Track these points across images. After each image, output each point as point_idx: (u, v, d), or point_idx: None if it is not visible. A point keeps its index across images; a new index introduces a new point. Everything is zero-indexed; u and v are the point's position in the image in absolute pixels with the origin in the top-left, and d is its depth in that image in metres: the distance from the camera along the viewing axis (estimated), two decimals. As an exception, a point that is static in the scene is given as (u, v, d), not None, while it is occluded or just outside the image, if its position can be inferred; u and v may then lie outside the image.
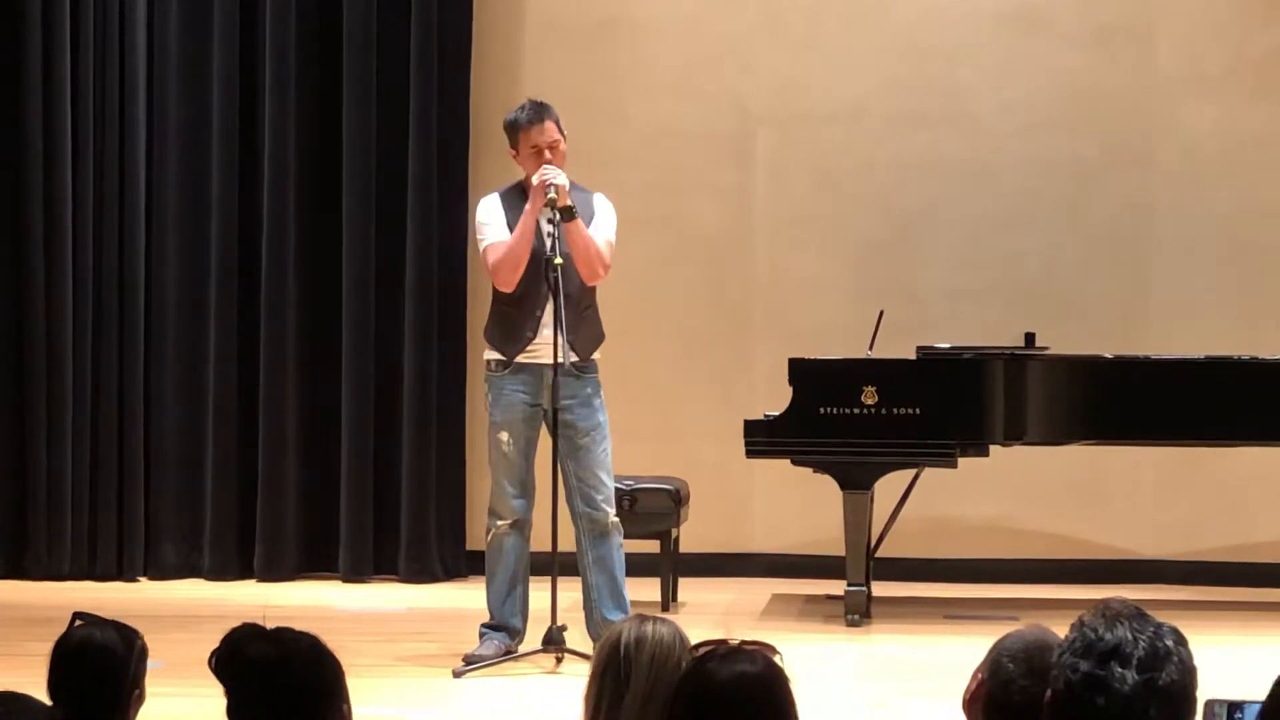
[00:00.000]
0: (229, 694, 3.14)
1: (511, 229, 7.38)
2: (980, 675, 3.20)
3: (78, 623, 3.71)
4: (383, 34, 9.80)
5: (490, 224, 7.47)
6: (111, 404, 9.78)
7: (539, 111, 7.43)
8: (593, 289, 7.49)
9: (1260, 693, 3.04)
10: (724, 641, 3.11)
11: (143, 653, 3.70)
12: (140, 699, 3.69)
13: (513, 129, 7.45)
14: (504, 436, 7.43)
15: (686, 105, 9.98)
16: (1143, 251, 9.80)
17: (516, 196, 7.49)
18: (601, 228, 7.47)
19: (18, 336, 9.77)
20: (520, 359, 7.40)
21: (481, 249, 7.53)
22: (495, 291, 7.51)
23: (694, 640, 3.35)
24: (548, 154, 7.35)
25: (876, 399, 8.33)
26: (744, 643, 3.09)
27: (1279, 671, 2.97)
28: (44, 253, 9.72)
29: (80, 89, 9.76)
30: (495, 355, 7.48)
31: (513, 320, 7.42)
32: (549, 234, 7.30)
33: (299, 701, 3.10)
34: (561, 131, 7.44)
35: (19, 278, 9.76)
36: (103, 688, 3.61)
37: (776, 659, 3.06)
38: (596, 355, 7.50)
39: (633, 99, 10.00)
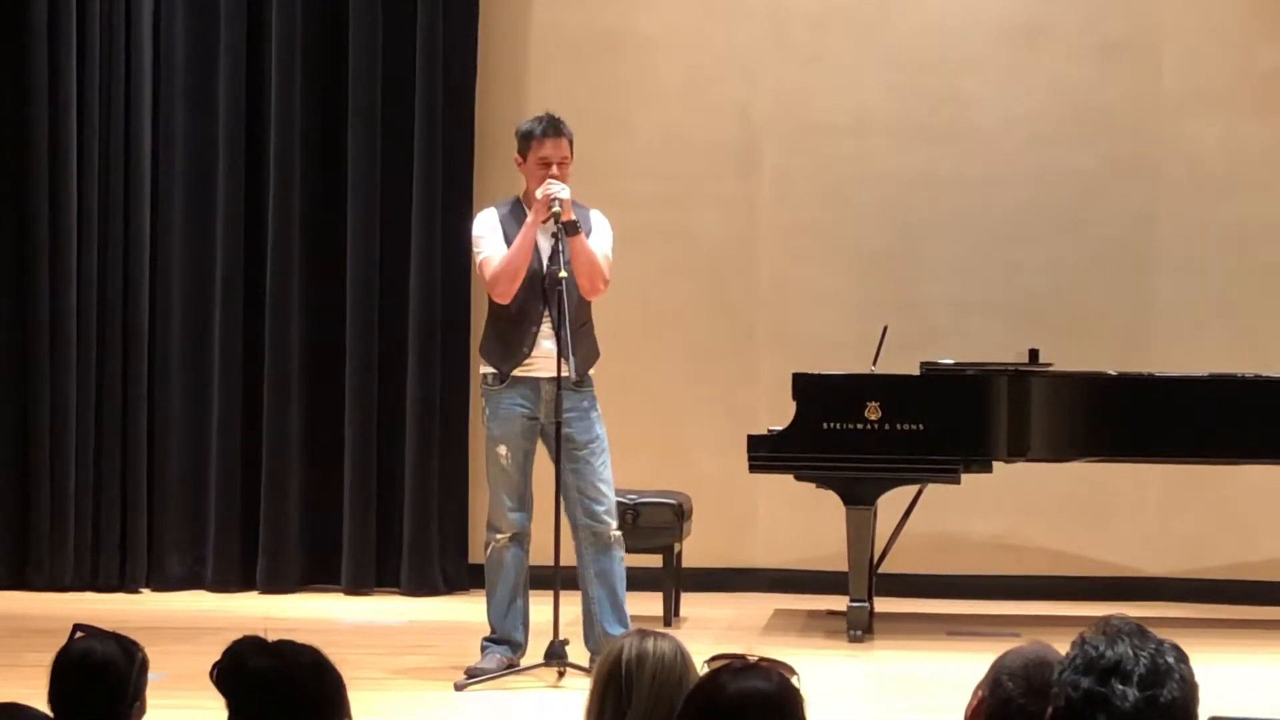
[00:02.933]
0: (230, 706, 3.14)
1: (508, 243, 7.38)
2: (980, 693, 3.20)
3: (78, 634, 3.70)
4: (388, 46, 9.81)
5: (486, 236, 7.48)
6: (115, 415, 9.78)
7: (556, 126, 7.44)
8: (589, 306, 7.49)
9: (1263, 710, 3.03)
10: (741, 656, 3.09)
11: (143, 665, 3.69)
12: (141, 711, 3.68)
13: (526, 138, 7.45)
14: (502, 450, 7.43)
15: (691, 116, 9.98)
16: (1147, 266, 9.79)
17: (513, 210, 7.50)
18: (599, 243, 7.47)
19: (21, 346, 9.77)
20: (516, 373, 7.40)
21: (478, 261, 7.53)
22: (492, 307, 7.51)
23: (698, 655, 3.34)
24: (554, 169, 7.35)
25: (880, 414, 8.33)
26: (761, 659, 3.08)
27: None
28: (48, 263, 9.72)
29: (86, 99, 9.76)
30: (491, 370, 7.48)
31: (510, 336, 7.42)
32: (550, 246, 7.31)
33: (300, 715, 3.09)
34: (572, 152, 7.44)
35: (23, 286, 9.76)
36: (103, 700, 3.61)
37: (794, 680, 3.05)
38: (592, 372, 7.50)
39: (637, 110, 10.00)
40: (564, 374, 7.18)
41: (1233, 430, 8.49)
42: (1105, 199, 9.82)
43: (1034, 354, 8.68)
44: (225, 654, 3.18)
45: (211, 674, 3.18)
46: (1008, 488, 9.19)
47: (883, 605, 8.85)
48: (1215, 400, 8.49)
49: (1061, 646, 3.07)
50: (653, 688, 3.38)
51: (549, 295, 7.31)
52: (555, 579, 7.14)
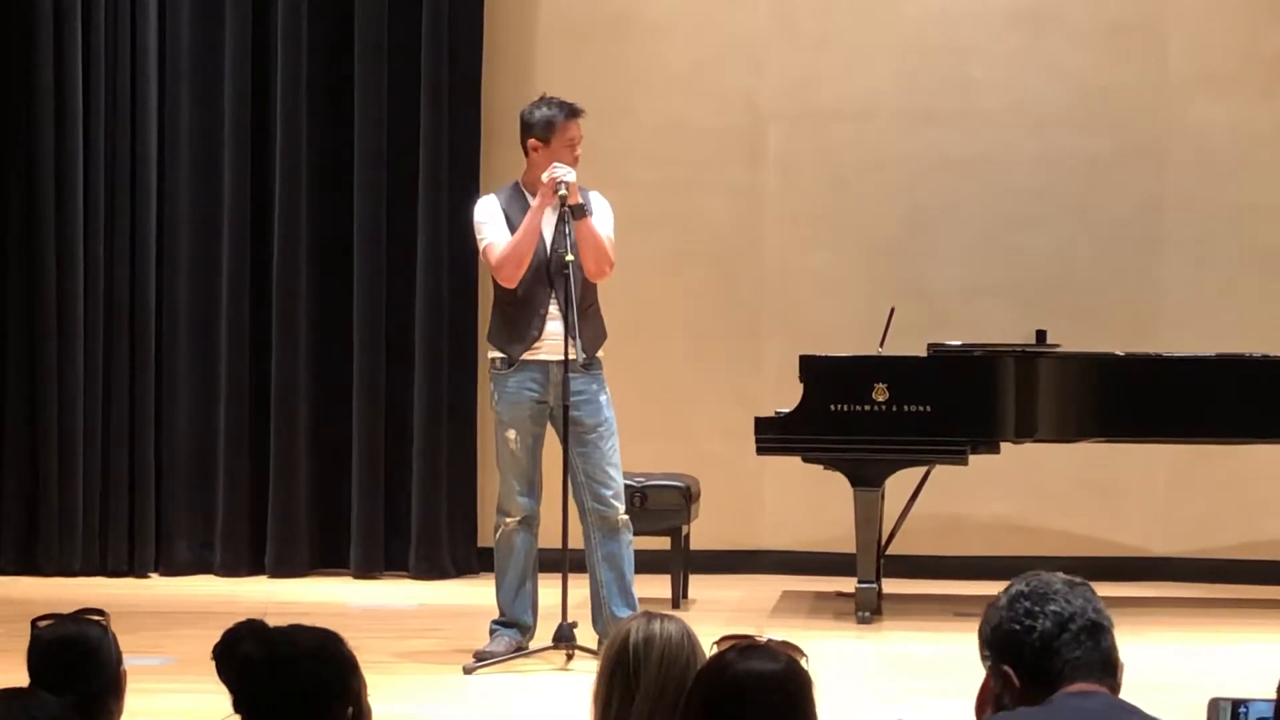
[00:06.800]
0: (231, 691, 3.14)
1: (511, 228, 7.39)
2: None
3: (43, 623, 3.68)
4: (394, 32, 9.81)
5: (489, 222, 7.48)
6: (123, 400, 9.80)
7: (575, 107, 7.45)
8: (595, 287, 7.50)
9: (1271, 690, 3.04)
10: (749, 638, 3.10)
11: (113, 634, 3.68)
12: (125, 676, 3.67)
13: (549, 125, 7.40)
14: (511, 434, 7.43)
15: (697, 102, 9.98)
16: (1153, 249, 9.80)
17: (514, 196, 7.50)
18: (601, 225, 7.48)
19: (30, 333, 9.78)
20: (524, 357, 7.41)
21: (481, 247, 7.53)
22: (498, 292, 7.51)
23: (706, 637, 3.35)
24: (578, 149, 7.38)
25: (887, 396, 8.33)
26: (770, 641, 3.09)
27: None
28: (55, 252, 9.73)
29: (92, 90, 9.76)
30: (499, 354, 7.49)
31: (517, 319, 7.42)
32: (553, 230, 7.32)
33: (300, 700, 3.07)
34: None
35: (31, 273, 9.77)
36: (93, 672, 3.58)
37: (802, 661, 3.05)
38: (600, 353, 7.50)
39: (643, 96, 10.00)
40: (571, 356, 7.18)
41: (1240, 410, 8.49)
42: (1112, 182, 9.82)
43: (1041, 335, 8.69)
44: (220, 640, 3.19)
45: (212, 657, 3.18)
46: (1015, 469, 9.20)
47: (891, 587, 8.86)
48: (1223, 381, 8.49)
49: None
50: (660, 670, 3.39)
51: (555, 279, 7.32)
52: (564, 562, 7.15)
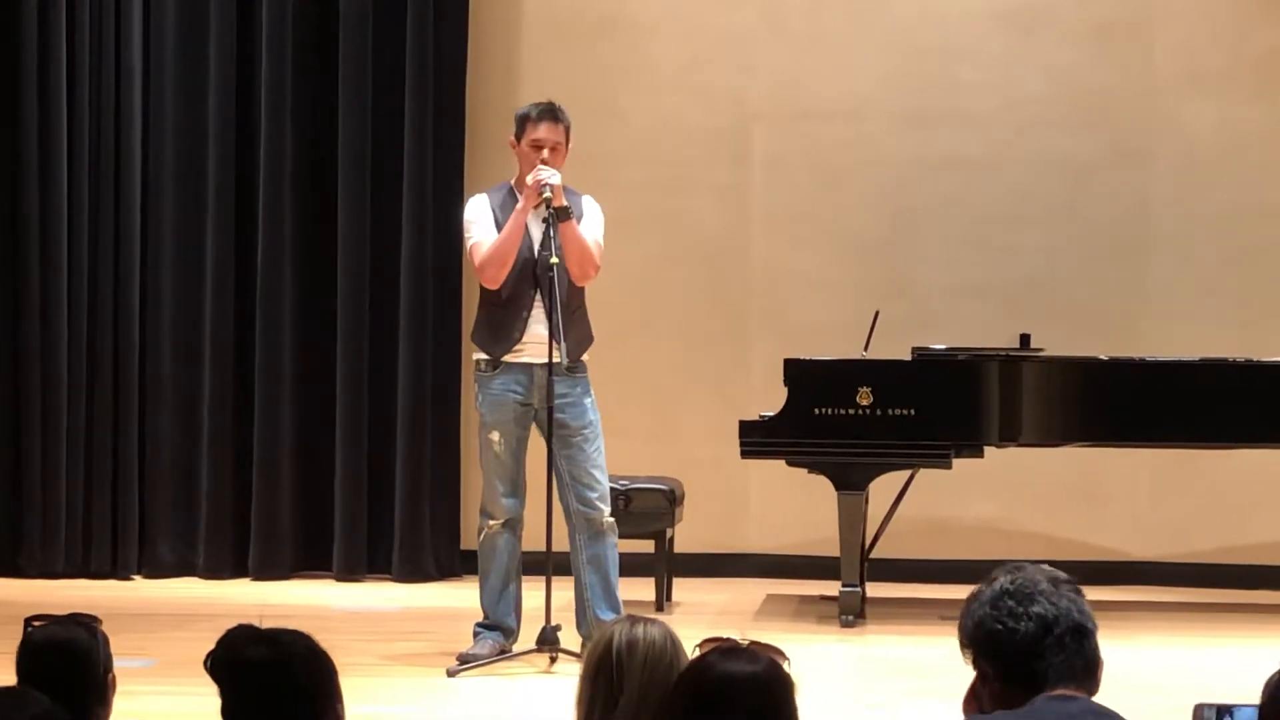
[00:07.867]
0: (224, 695, 3.13)
1: (500, 228, 7.38)
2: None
3: (36, 624, 3.69)
4: (379, 33, 9.80)
5: (477, 221, 7.48)
6: (106, 402, 9.78)
7: (552, 111, 7.43)
8: (582, 290, 7.49)
9: (1253, 695, 3.05)
10: (731, 640, 3.10)
11: (105, 639, 3.69)
12: (114, 683, 3.67)
13: (521, 121, 7.44)
14: (495, 436, 7.43)
15: (685, 103, 9.98)
16: (1141, 251, 9.81)
17: (505, 197, 7.49)
18: (590, 229, 7.47)
19: (13, 334, 9.76)
20: (507, 359, 7.40)
21: (468, 246, 7.54)
22: (483, 292, 7.51)
23: (690, 641, 3.34)
24: (545, 153, 7.34)
25: (871, 400, 8.33)
26: (752, 643, 3.09)
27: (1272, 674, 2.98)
28: (39, 252, 9.71)
29: (76, 91, 9.75)
30: (483, 355, 7.48)
31: (501, 321, 7.42)
32: (540, 232, 7.32)
33: (294, 702, 3.09)
34: (568, 140, 7.43)
35: (14, 275, 9.75)
36: (80, 677, 3.59)
37: (784, 664, 3.05)
38: (585, 356, 7.50)
39: (630, 97, 10.00)
40: (556, 359, 7.18)
41: (1223, 414, 8.50)
42: (1099, 184, 9.83)
43: (1025, 339, 8.69)
44: (220, 643, 3.18)
45: (206, 663, 3.17)
46: (999, 472, 9.20)
47: (874, 590, 8.86)
48: (1206, 384, 8.50)
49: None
50: (644, 673, 3.38)
51: (540, 280, 7.32)
52: (547, 564, 7.15)
